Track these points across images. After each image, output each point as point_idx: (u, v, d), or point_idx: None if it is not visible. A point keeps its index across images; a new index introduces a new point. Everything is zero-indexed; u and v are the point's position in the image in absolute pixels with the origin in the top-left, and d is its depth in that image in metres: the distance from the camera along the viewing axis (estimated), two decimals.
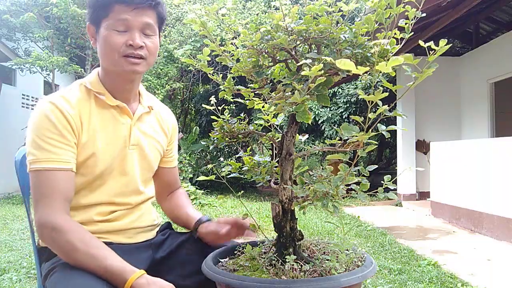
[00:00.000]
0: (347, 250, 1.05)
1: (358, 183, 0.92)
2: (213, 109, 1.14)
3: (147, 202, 1.31)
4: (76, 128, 1.11)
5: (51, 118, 1.07)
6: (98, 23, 1.14)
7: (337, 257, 1.00)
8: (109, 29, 1.11)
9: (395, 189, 7.20)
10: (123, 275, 0.96)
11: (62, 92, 1.16)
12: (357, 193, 0.91)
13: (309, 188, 0.91)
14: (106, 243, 1.13)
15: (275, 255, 0.98)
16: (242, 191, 1.14)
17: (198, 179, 1.21)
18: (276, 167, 1.11)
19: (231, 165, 1.14)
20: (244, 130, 1.11)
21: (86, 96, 1.17)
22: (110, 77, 1.19)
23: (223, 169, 1.15)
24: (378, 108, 0.83)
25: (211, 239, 1.25)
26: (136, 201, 1.24)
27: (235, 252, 1.12)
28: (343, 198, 0.90)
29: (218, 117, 1.13)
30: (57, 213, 1.02)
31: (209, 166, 1.26)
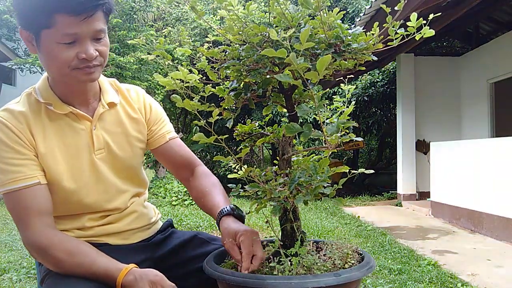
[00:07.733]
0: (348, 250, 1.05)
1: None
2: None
3: (140, 201, 1.26)
4: (29, 142, 1.03)
5: (0, 137, 1.02)
6: (37, 32, 0.97)
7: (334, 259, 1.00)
8: (54, 43, 0.96)
9: (395, 189, 7.20)
10: (110, 276, 0.96)
11: (9, 104, 1.07)
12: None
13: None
14: (102, 244, 1.14)
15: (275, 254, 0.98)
16: (242, 191, 1.13)
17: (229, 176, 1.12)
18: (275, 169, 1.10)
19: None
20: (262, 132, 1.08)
21: (35, 107, 1.07)
22: (61, 84, 1.08)
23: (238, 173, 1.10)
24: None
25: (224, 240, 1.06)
26: (123, 202, 1.19)
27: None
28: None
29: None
30: (37, 232, 1.00)
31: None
